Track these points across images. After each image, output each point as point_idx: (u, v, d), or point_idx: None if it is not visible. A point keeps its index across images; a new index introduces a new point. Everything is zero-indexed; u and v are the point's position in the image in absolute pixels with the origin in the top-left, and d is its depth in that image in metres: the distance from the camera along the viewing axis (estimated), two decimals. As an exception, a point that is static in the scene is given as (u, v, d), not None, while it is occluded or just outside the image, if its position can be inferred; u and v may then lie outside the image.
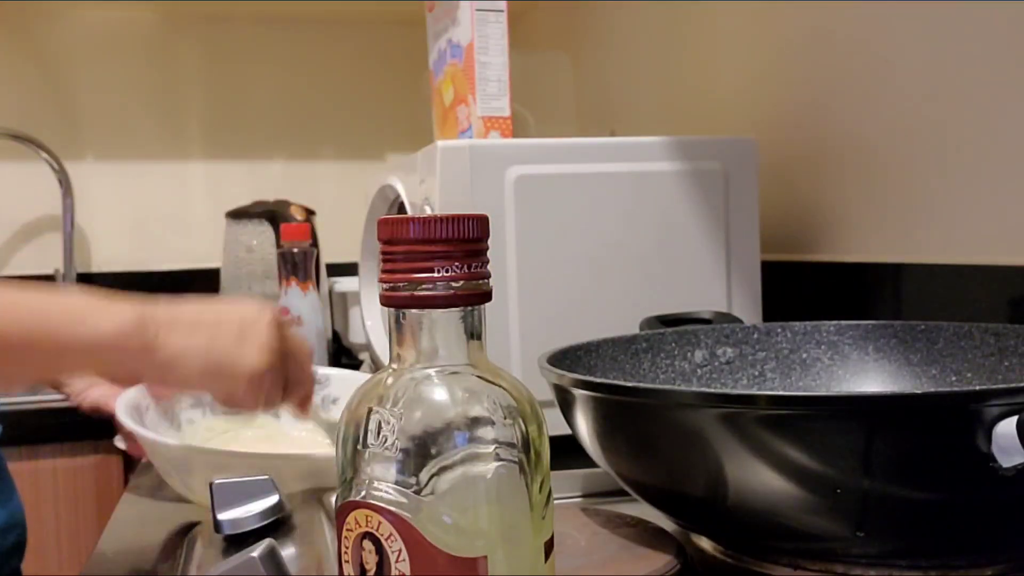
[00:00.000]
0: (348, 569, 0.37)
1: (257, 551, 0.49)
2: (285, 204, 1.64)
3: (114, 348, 0.65)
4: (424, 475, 0.35)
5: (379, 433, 0.36)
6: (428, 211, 0.87)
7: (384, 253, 0.37)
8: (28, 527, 1.03)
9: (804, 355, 0.76)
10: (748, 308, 0.92)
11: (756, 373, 0.76)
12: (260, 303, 0.74)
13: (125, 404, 0.80)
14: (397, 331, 0.38)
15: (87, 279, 1.90)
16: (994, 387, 0.48)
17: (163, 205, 1.99)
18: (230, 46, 2.02)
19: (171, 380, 0.70)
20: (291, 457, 0.79)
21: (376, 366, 1.16)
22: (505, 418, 0.36)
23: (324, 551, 0.60)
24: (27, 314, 0.64)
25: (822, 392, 0.74)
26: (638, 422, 0.55)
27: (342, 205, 1.82)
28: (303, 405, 0.77)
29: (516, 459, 0.36)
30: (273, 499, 0.64)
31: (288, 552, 0.60)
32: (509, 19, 0.99)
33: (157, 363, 0.67)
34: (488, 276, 0.38)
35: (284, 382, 0.73)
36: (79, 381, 0.88)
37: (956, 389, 0.67)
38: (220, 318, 0.70)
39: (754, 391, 0.74)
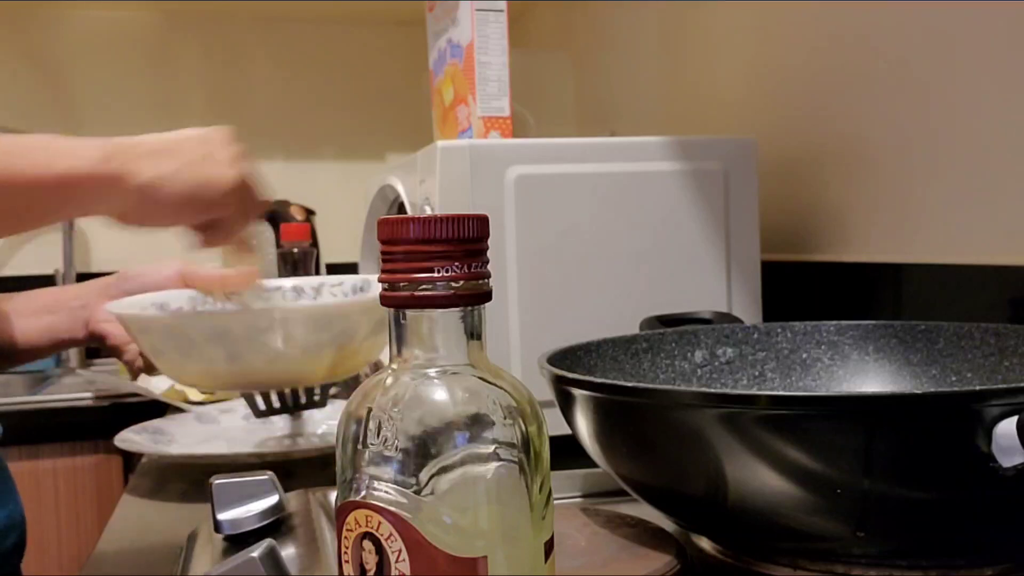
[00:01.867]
0: (348, 569, 0.37)
1: (257, 551, 0.49)
2: (285, 204, 1.64)
3: (89, 180, 0.65)
4: (424, 475, 0.35)
5: (379, 433, 0.36)
6: (428, 211, 0.87)
7: (384, 253, 0.37)
8: (28, 527, 1.03)
9: (804, 355, 0.76)
10: (748, 308, 0.92)
11: (756, 373, 0.76)
12: (213, 127, 0.76)
13: (129, 302, 0.83)
14: (397, 331, 0.38)
15: (87, 279, 1.90)
16: (994, 387, 0.48)
17: (163, 205, 1.98)
18: (230, 46, 2.02)
19: (150, 209, 0.70)
20: (249, 312, 0.81)
21: (376, 366, 1.16)
22: (505, 418, 0.36)
23: (324, 551, 0.60)
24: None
25: (822, 392, 0.74)
26: (638, 422, 0.55)
27: (342, 205, 1.82)
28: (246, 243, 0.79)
29: (516, 459, 0.36)
30: (273, 499, 0.63)
31: (288, 552, 0.60)
32: (509, 19, 0.99)
33: (134, 191, 0.67)
34: (488, 276, 0.38)
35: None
36: (134, 344, 0.87)
37: (956, 389, 0.67)
38: (181, 142, 0.72)
39: (754, 391, 0.74)
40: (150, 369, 0.89)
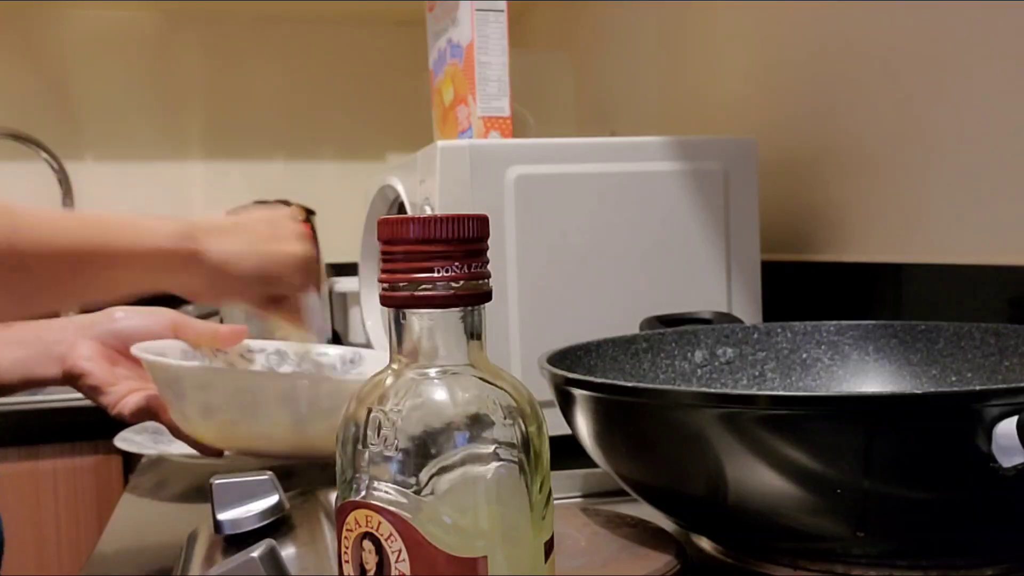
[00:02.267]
0: (348, 569, 0.37)
1: (257, 551, 0.49)
2: (285, 204, 1.64)
3: (169, 256, 0.70)
4: (424, 475, 0.35)
5: (379, 433, 0.36)
6: (428, 211, 0.87)
7: (384, 253, 0.37)
8: (28, 527, 1.02)
9: (804, 355, 0.76)
10: (748, 308, 0.92)
11: (756, 373, 0.76)
12: (273, 207, 0.80)
13: (144, 347, 0.80)
14: (397, 331, 0.38)
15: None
16: (994, 387, 0.48)
17: (163, 205, 1.98)
18: (230, 46, 2.02)
19: (221, 285, 0.75)
20: (275, 375, 0.80)
21: (376, 366, 1.16)
22: (505, 418, 0.36)
23: (324, 551, 0.60)
24: (84, 227, 0.67)
25: (822, 392, 0.74)
26: (638, 422, 0.55)
27: (342, 205, 1.82)
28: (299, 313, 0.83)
29: (516, 459, 0.36)
30: (273, 499, 0.63)
31: (288, 552, 0.60)
32: (509, 19, 0.99)
33: (209, 268, 0.72)
34: (488, 276, 0.38)
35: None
36: (119, 386, 0.84)
37: (956, 389, 0.67)
38: (249, 222, 0.77)
39: (754, 391, 0.74)
40: (176, 433, 0.81)
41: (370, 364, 0.94)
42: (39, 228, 0.65)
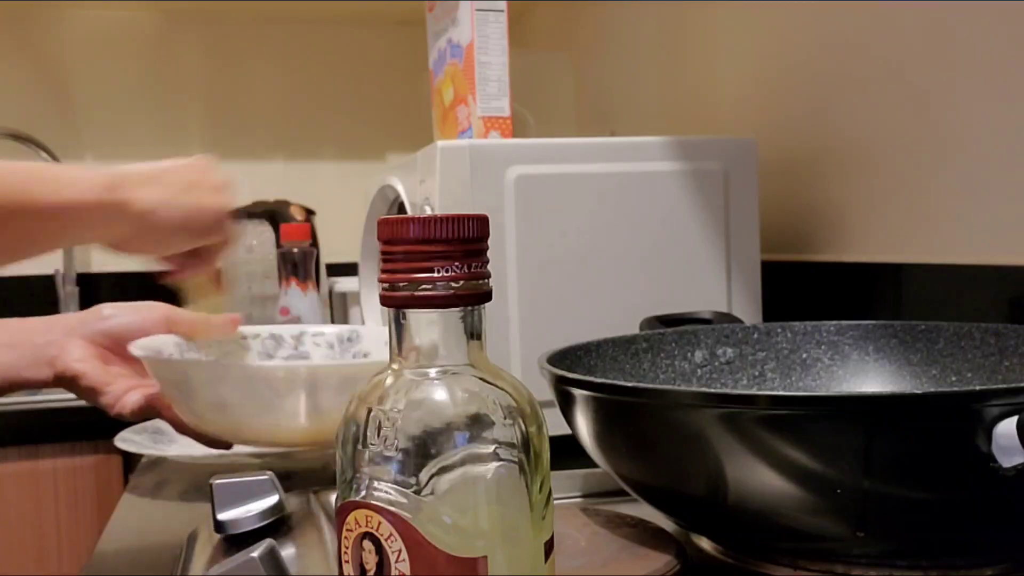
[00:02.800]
0: (348, 569, 0.37)
1: (257, 551, 0.49)
2: (285, 204, 1.64)
3: (93, 208, 0.69)
4: (424, 475, 0.35)
5: (379, 433, 0.36)
6: (428, 211, 0.87)
7: (384, 253, 0.37)
8: (28, 527, 1.02)
9: (804, 355, 0.76)
10: (748, 308, 0.92)
11: (756, 373, 0.76)
12: (197, 157, 0.80)
13: (140, 345, 0.79)
14: (397, 331, 0.38)
15: (87, 279, 1.90)
16: (994, 387, 0.48)
17: (163, 205, 1.98)
18: (230, 46, 2.02)
19: (147, 236, 0.73)
20: (288, 368, 0.80)
21: (376, 366, 1.16)
22: (505, 418, 0.36)
23: (324, 551, 0.60)
24: (5, 182, 0.65)
25: (822, 392, 0.74)
26: (638, 422, 0.55)
27: (342, 205, 1.82)
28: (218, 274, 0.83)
29: (516, 459, 0.36)
30: (273, 499, 0.63)
31: (288, 552, 0.60)
32: (509, 19, 0.99)
33: (135, 217, 0.71)
34: (488, 276, 0.38)
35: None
36: (116, 385, 0.81)
37: (956, 389, 0.67)
38: (169, 171, 0.75)
39: (754, 391, 0.74)
40: (180, 428, 0.80)
41: (367, 341, 0.94)
42: None
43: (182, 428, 0.80)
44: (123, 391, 0.80)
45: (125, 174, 0.72)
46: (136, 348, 0.78)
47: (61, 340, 0.83)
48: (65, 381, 0.82)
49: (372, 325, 1.02)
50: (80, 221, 0.70)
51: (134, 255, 0.78)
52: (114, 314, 0.85)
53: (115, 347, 0.83)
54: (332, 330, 0.94)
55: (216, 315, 0.88)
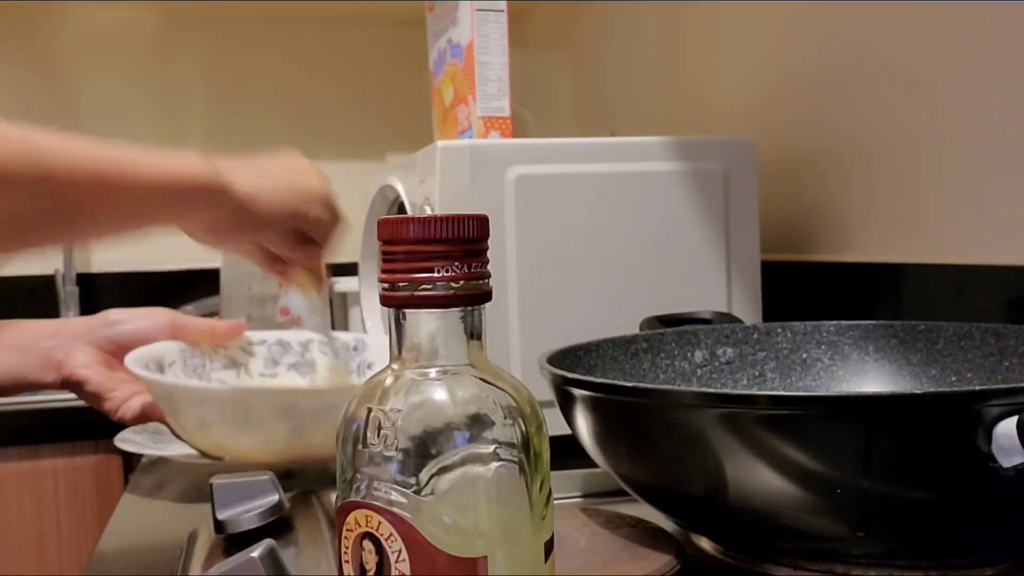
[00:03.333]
0: (348, 569, 0.37)
1: (257, 551, 0.49)
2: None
3: (198, 188, 0.68)
4: (424, 475, 0.35)
5: (379, 433, 0.36)
6: (428, 211, 0.87)
7: (384, 253, 0.37)
8: (28, 527, 1.02)
9: (804, 355, 0.76)
10: (748, 308, 0.92)
11: (756, 373, 0.76)
12: (287, 150, 0.79)
13: (139, 355, 0.79)
14: (397, 331, 0.38)
15: (87, 279, 1.90)
16: (994, 387, 0.48)
17: (163, 205, 1.98)
18: (231, 46, 2.02)
19: (246, 219, 0.72)
20: (268, 391, 0.79)
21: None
22: (505, 418, 0.36)
23: (324, 551, 0.60)
24: (105, 153, 0.64)
25: (822, 392, 0.74)
26: (638, 422, 0.55)
27: (342, 205, 1.82)
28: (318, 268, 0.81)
29: (516, 459, 0.36)
30: (273, 499, 0.63)
31: (288, 552, 0.60)
32: (509, 19, 0.99)
33: (235, 202, 0.70)
34: (488, 276, 0.38)
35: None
36: (120, 390, 0.81)
37: (956, 389, 0.67)
38: (267, 162, 0.75)
39: (754, 391, 0.74)
40: (178, 434, 0.80)
41: (374, 351, 0.93)
42: (57, 151, 0.62)
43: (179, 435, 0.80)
44: (126, 397, 0.81)
45: (220, 160, 0.71)
46: (132, 359, 0.77)
47: (67, 344, 0.83)
48: (70, 385, 0.82)
49: (379, 335, 1.02)
50: (176, 200, 0.68)
51: (226, 245, 0.77)
52: (120, 320, 0.85)
53: (120, 353, 0.83)
54: (339, 338, 0.94)
55: (221, 322, 0.87)
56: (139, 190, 0.65)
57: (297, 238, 0.77)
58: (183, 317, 0.87)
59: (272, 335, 0.92)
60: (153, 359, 0.79)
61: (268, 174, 0.74)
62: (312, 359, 0.92)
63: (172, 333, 0.85)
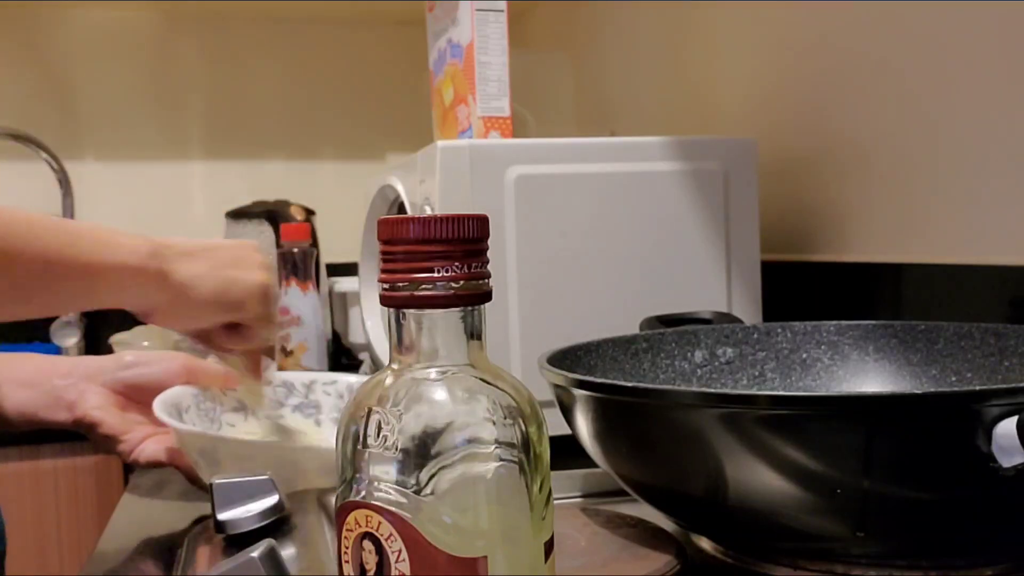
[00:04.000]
0: (348, 569, 0.37)
1: (257, 551, 0.49)
2: (285, 204, 1.64)
3: (135, 272, 0.71)
4: (424, 475, 0.35)
5: (379, 433, 0.36)
6: (428, 211, 0.87)
7: (384, 253, 0.37)
8: (28, 527, 1.02)
9: (804, 355, 0.76)
10: (748, 308, 0.92)
11: (756, 373, 0.76)
12: (241, 241, 0.82)
13: (162, 402, 0.79)
14: (397, 331, 0.38)
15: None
16: (994, 387, 0.48)
17: (163, 205, 1.99)
18: (230, 46, 2.02)
19: (180, 308, 0.75)
20: (316, 450, 0.80)
21: (376, 366, 1.16)
22: (505, 418, 0.36)
23: (324, 551, 0.60)
24: (54, 235, 0.67)
25: (822, 392, 0.74)
26: (638, 422, 0.55)
27: (342, 205, 1.82)
28: (257, 360, 0.84)
29: (516, 459, 0.36)
30: (273, 499, 0.64)
31: (288, 552, 0.60)
32: (509, 19, 0.99)
33: (172, 288, 0.73)
34: (488, 276, 0.38)
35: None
36: (134, 433, 0.83)
37: (956, 389, 0.67)
38: (212, 247, 0.78)
39: (754, 391, 0.74)
40: (194, 481, 0.82)
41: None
42: (6, 234, 0.64)
43: (195, 480, 0.81)
44: (139, 440, 0.83)
45: (167, 245, 0.74)
46: (159, 409, 0.78)
47: (81, 385, 0.85)
48: (83, 426, 0.84)
49: (380, 338, 1.03)
50: (118, 284, 0.71)
51: (164, 327, 0.80)
52: (135, 363, 0.87)
53: (133, 395, 0.86)
54: (343, 379, 0.95)
55: (235, 369, 0.88)
56: (82, 275, 0.68)
57: (233, 328, 0.80)
58: (197, 361, 0.88)
59: (277, 376, 0.93)
60: (172, 405, 0.81)
61: (210, 260, 0.77)
62: (316, 400, 0.93)
63: (186, 377, 0.86)
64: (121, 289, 0.72)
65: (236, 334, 0.80)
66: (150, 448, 0.82)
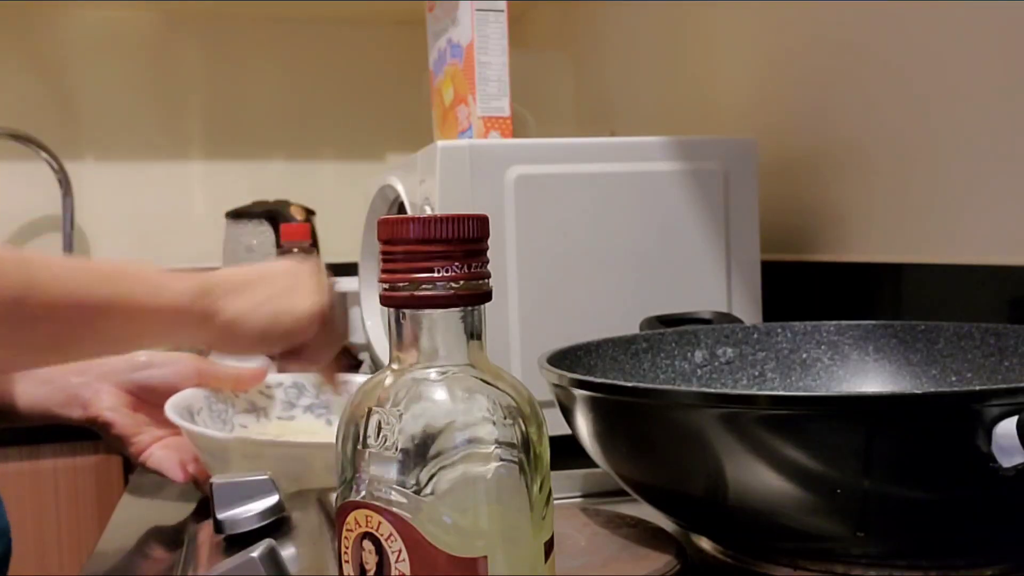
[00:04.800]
0: (348, 569, 0.37)
1: (257, 551, 0.49)
2: (285, 204, 1.64)
3: (183, 313, 0.70)
4: (424, 475, 0.35)
5: (379, 433, 0.36)
6: (428, 211, 0.87)
7: (384, 253, 0.37)
8: (28, 527, 1.02)
9: (804, 355, 0.76)
10: (748, 308, 0.92)
11: (756, 373, 0.76)
12: (298, 259, 0.80)
13: (174, 404, 0.80)
14: (397, 331, 0.38)
15: (87, 279, 1.90)
16: (994, 387, 0.48)
17: (163, 205, 1.99)
18: (230, 46, 2.02)
19: (230, 343, 0.75)
20: (325, 446, 0.80)
21: (376, 366, 1.16)
22: (505, 418, 0.36)
23: (324, 551, 0.60)
24: (100, 281, 0.66)
25: (822, 392, 0.74)
26: (638, 422, 0.55)
27: (342, 205, 1.82)
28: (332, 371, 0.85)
29: (516, 459, 0.36)
30: (273, 499, 0.63)
31: (288, 552, 0.60)
32: (509, 19, 0.99)
33: (219, 327, 0.72)
34: (488, 276, 0.38)
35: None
36: (144, 435, 0.85)
37: (956, 389, 0.67)
38: (267, 275, 0.77)
39: (754, 391, 0.74)
40: (198, 485, 0.83)
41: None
42: (55, 280, 0.64)
43: (200, 486, 0.82)
44: (149, 442, 0.85)
45: (216, 282, 0.73)
46: (171, 412, 0.79)
47: (95, 384, 0.86)
48: (96, 425, 0.86)
49: (380, 335, 1.03)
50: (165, 327, 0.71)
51: (228, 355, 0.81)
52: (148, 364, 0.87)
53: (146, 396, 0.87)
54: (354, 380, 0.96)
55: (244, 369, 0.89)
56: (129, 320, 0.68)
57: (295, 350, 0.79)
58: (209, 364, 0.89)
59: (288, 378, 0.93)
60: (184, 407, 0.81)
61: (260, 296, 0.75)
62: (327, 400, 0.94)
63: (198, 380, 0.87)
64: (168, 332, 0.71)
65: (296, 357, 0.80)
66: (158, 455, 0.83)
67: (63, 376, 0.87)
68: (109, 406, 0.85)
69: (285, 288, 0.77)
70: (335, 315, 0.80)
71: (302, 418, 0.92)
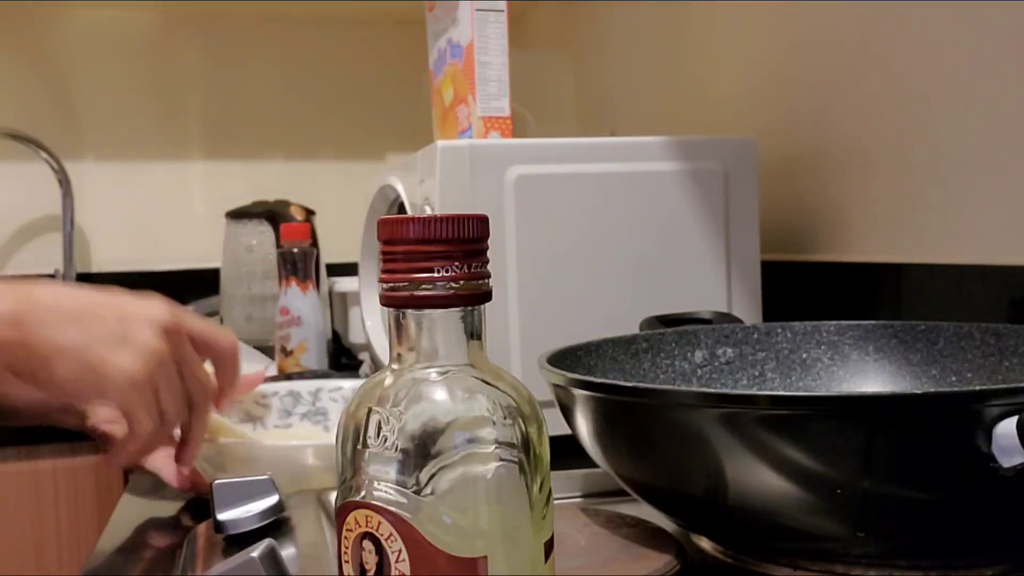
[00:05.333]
0: (348, 569, 0.37)
1: (257, 551, 0.49)
2: (285, 204, 1.64)
3: None
4: (424, 475, 0.35)
5: (379, 433, 0.36)
6: (428, 211, 0.87)
7: (384, 253, 0.37)
8: (28, 527, 1.02)
9: (804, 355, 0.76)
10: (748, 308, 0.92)
11: (756, 373, 0.76)
12: (157, 299, 0.66)
13: None
14: (397, 331, 0.38)
15: (87, 279, 1.90)
16: (994, 387, 0.48)
17: (163, 205, 1.98)
18: (230, 46, 2.02)
19: (44, 383, 0.63)
20: (319, 447, 0.80)
21: (376, 366, 1.16)
22: (505, 418, 0.36)
23: (324, 551, 0.60)
24: None
25: (822, 392, 0.74)
26: (638, 422, 0.55)
27: (342, 205, 1.82)
28: (195, 436, 0.70)
29: (516, 459, 0.36)
30: (273, 499, 0.64)
31: (288, 552, 0.60)
32: (509, 19, 0.99)
33: (30, 361, 0.61)
34: (488, 276, 0.38)
35: (185, 396, 0.67)
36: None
37: (956, 389, 0.67)
38: (98, 311, 0.63)
39: (754, 391, 0.74)
40: (199, 488, 0.79)
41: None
42: None
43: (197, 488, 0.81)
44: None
45: (37, 305, 0.61)
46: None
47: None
48: (94, 436, 0.82)
49: (379, 335, 1.03)
50: None
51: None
52: None
53: None
54: (348, 384, 0.95)
55: (241, 376, 0.87)
56: None
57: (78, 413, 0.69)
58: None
59: (283, 386, 0.93)
60: None
61: (85, 330, 0.62)
62: (323, 407, 0.94)
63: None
64: None
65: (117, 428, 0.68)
66: (157, 461, 0.81)
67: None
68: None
69: (116, 334, 0.63)
70: (173, 385, 0.65)
71: (299, 425, 0.92)
